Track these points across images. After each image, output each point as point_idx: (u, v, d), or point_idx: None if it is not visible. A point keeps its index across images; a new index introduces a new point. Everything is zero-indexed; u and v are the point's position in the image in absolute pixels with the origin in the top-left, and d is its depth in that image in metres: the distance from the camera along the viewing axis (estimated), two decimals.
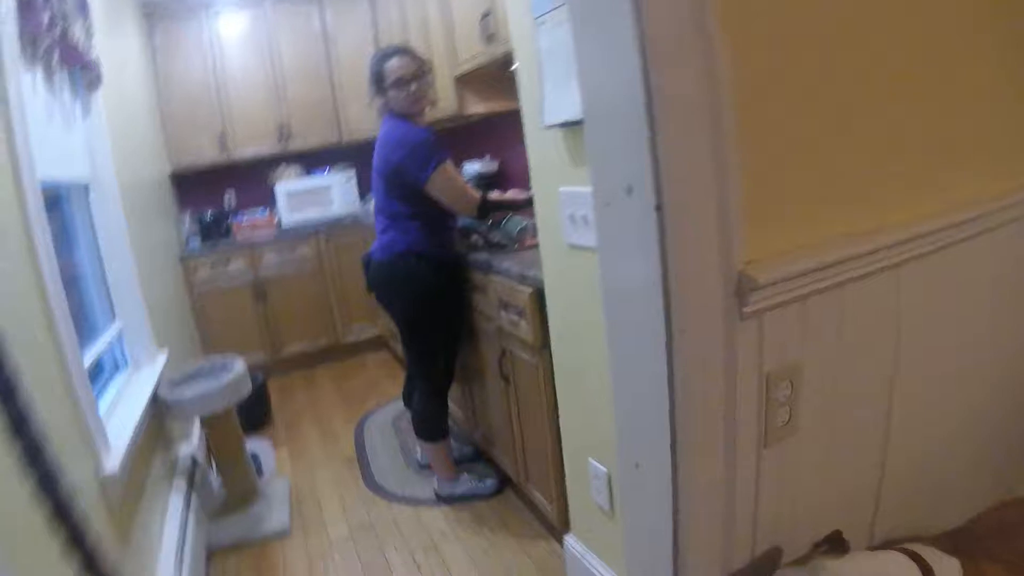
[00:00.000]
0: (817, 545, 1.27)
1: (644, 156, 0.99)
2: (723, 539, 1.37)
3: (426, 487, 3.27)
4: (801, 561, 1.24)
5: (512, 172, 4.14)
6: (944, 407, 1.69)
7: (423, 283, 2.85)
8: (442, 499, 3.15)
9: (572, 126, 1.67)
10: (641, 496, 1.38)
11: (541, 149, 1.90)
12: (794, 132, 1.23)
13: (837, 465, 1.52)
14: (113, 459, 2.06)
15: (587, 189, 1.66)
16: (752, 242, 1.17)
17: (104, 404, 2.47)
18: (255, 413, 4.27)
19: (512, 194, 3.07)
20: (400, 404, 3.85)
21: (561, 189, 1.79)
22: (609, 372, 1.32)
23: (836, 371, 1.40)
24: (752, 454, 1.33)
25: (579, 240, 1.77)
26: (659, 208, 1.02)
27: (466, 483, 3.16)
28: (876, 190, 1.38)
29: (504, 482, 3.16)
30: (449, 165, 2.77)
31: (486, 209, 2.87)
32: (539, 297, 2.18)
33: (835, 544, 1.26)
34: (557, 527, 2.56)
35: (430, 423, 3.08)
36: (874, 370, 1.49)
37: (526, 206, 2.98)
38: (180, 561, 2.45)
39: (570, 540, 2.42)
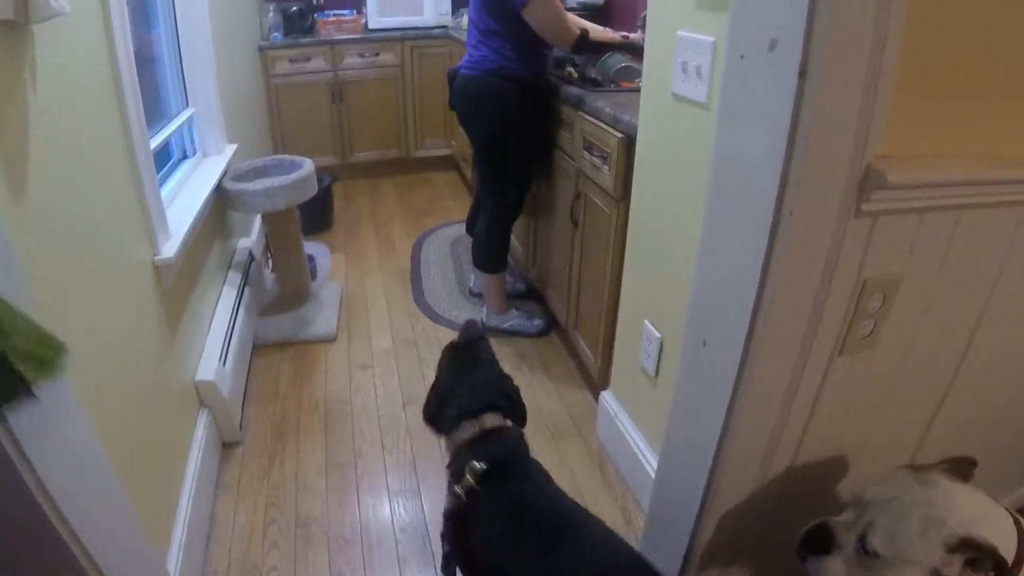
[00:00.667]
0: (941, 462, 1.20)
1: (801, 5, 0.84)
2: (771, 436, 1.31)
3: (474, 314, 3.26)
4: (923, 470, 1.16)
5: (619, 5, 3.88)
6: (1014, 370, 1.57)
7: (509, 104, 2.72)
8: (488, 330, 3.09)
9: None
10: (701, 374, 1.31)
11: None
12: (969, 26, 1.05)
13: (899, 394, 1.43)
14: (171, 244, 2.05)
15: (709, 37, 1.50)
16: (887, 133, 1.02)
17: (167, 189, 2.44)
18: (318, 215, 4.27)
19: (614, 34, 2.88)
20: (461, 228, 3.80)
21: (679, 33, 1.62)
22: (699, 240, 1.21)
23: (930, 296, 1.27)
24: (825, 358, 1.24)
25: (687, 92, 1.61)
26: (803, 74, 0.87)
27: (514, 318, 3.14)
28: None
29: (551, 325, 3.14)
30: None
31: (584, 47, 2.67)
32: (628, 145, 2.04)
33: (958, 469, 1.18)
34: (596, 380, 2.54)
35: (490, 252, 3.02)
36: (965, 306, 1.36)
37: (628, 50, 2.80)
38: (225, 349, 2.49)
39: (606, 396, 2.40)
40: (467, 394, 1.56)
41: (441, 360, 1.74)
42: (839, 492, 1.48)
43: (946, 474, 1.13)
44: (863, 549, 1.11)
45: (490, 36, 2.68)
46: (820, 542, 1.18)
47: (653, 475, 2.03)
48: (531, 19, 2.54)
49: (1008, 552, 1.03)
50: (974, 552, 1.03)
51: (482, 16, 2.70)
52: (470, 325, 1.79)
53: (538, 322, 3.15)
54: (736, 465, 1.30)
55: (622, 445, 2.26)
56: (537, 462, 1.49)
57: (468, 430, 1.49)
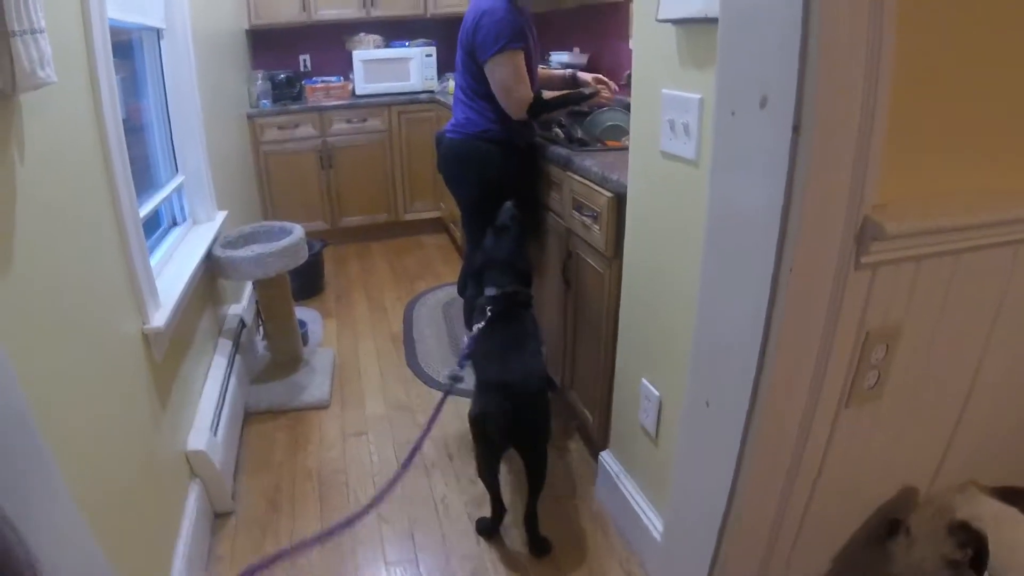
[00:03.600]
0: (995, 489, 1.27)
1: (791, 64, 0.84)
2: (781, 495, 1.28)
3: (468, 377, 3.22)
4: (957, 488, 1.24)
5: (601, 68, 3.92)
6: (1018, 401, 1.56)
7: (493, 167, 2.73)
8: None
9: (689, 24, 1.50)
10: (704, 435, 1.29)
11: (649, 45, 1.73)
12: (951, 75, 1.06)
13: (907, 440, 1.42)
14: (160, 314, 2.03)
15: (695, 95, 1.51)
16: (884, 183, 1.02)
17: (157, 257, 2.42)
18: (309, 281, 4.26)
19: (577, 89, 2.92)
20: (453, 291, 3.80)
21: (664, 91, 1.63)
22: (697, 299, 1.19)
23: (932, 341, 1.26)
24: (831, 412, 1.22)
25: (676, 149, 1.62)
26: (796, 128, 0.87)
27: None
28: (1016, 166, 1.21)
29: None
30: (517, 55, 2.58)
31: (539, 109, 2.67)
32: (618, 203, 2.04)
33: (1008, 494, 1.25)
34: (595, 440, 2.50)
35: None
36: (966, 348, 1.36)
37: (583, 100, 2.82)
38: (217, 418, 2.46)
39: (606, 456, 2.37)
40: (501, 267, 2.41)
41: (488, 233, 2.53)
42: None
43: (991, 492, 1.20)
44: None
45: (472, 97, 2.70)
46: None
47: (657, 537, 1.99)
48: (490, 76, 2.57)
49: None
50: (965, 535, 1.19)
51: (464, 77, 2.73)
52: (505, 210, 2.57)
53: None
54: (746, 527, 1.27)
55: (624, 506, 2.22)
56: (531, 313, 2.38)
57: (495, 289, 2.35)
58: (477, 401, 2.13)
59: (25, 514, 1.06)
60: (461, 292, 3.26)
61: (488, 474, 2.19)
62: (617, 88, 2.99)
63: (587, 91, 2.86)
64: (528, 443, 2.11)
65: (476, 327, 2.24)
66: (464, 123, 2.75)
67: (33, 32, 1.26)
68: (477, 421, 2.09)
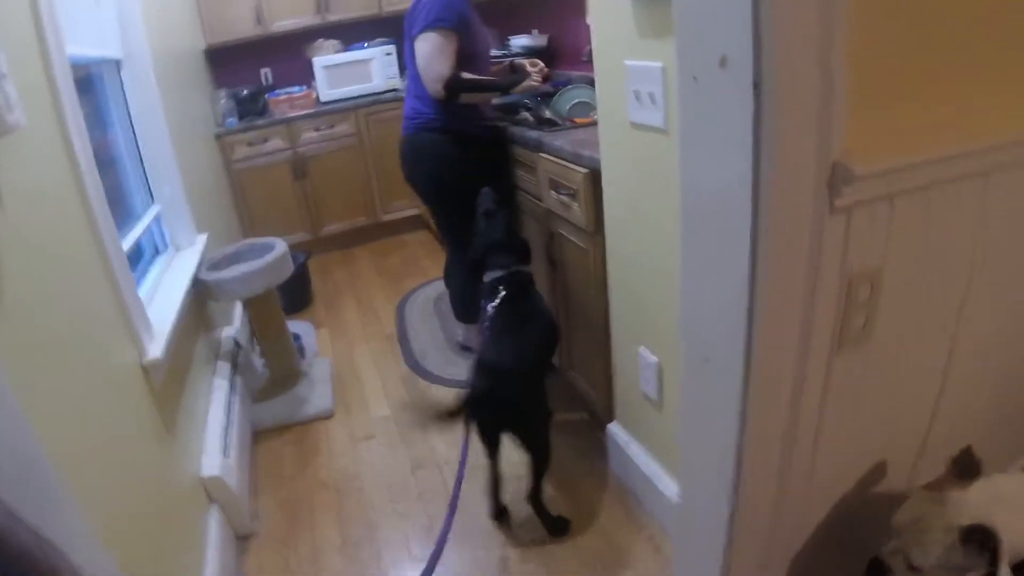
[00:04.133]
0: (949, 467, 1.25)
1: (745, 21, 0.85)
2: (785, 441, 1.30)
3: (466, 368, 3.25)
4: (935, 486, 1.22)
5: (562, 48, 3.93)
6: (1007, 343, 1.59)
7: (446, 159, 2.74)
8: None
9: None
10: (706, 390, 1.31)
11: (607, 19, 1.74)
12: (910, 13, 1.07)
13: (903, 382, 1.44)
14: (156, 344, 2.03)
15: (657, 63, 1.53)
16: (851, 129, 1.04)
17: (144, 288, 2.43)
18: (297, 294, 4.27)
19: (505, 72, 2.95)
20: (441, 285, 3.81)
21: (627, 63, 1.65)
22: (680, 261, 1.21)
23: (914, 280, 1.28)
24: (824, 356, 1.24)
25: (644, 119, 1.64)
26: (757, 85, 0.88)
27: None
28: (987, 96, 1.23)
29: None
30: (445, 33, 2.57)
31: (457, 87, 2.66)
32: (594, 179, 2.06)
33: (963, 468, 1.23)
34: (600, 415, 2.52)
35: (465, 303, 3.03)
36: (949, 285, 1.38)
37: (510, 87, 2.83)
38: (226, 442, 2.46)
39: (613, 428, 2.40)
40: (500, 249, 2.42)
41: (478, 220, 2.57)
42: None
43: (956, 480, 1.19)
44: (910, 567, 1.26)
45: (416, 83, 2.70)
46: (878, 571, 1.33)
47: (673, 499, 2.02)
48: (416, 53, 2.57)
49: None
50: (978, 535, 1.15)
51: (410, 66, 2.72)
52: (484, 195, 2.59)
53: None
54: (757, 476, 1.29)
55: (637, 474, 2.24)
56: (537, 292, 2.42)
57: (500, 271, 2.37)
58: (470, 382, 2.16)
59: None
60: (447, 283, 3.28)
61: (485, 455, 2.24)
62: (547, 71, 3.01)
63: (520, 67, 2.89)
64: (514, 425, 2.13)
65: (490, 305, 2.28)
66: (411, 115, 2.75)
67: None
68: (465, 402, 2.09)
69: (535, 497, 2.21)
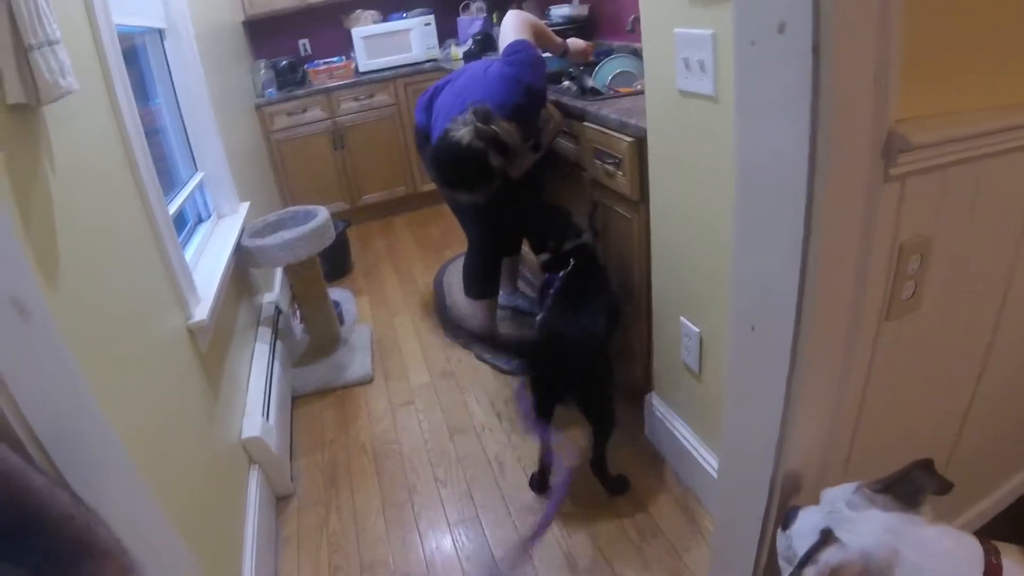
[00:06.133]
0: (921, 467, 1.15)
1: None
2: (833, 414, 1.30)
3: (507, 330, 3.31)
4: (874, 489, 1.13)
5: (604, 17, 3.89)
6: None
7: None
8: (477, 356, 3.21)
9: None
10: (753, 359, 1.30)
11: None
12: None
13: (948, 354, 1.43)
14: (202, 307, 2.07)
15: (707, 31, 1.52)
16: (904, 98, 1.02)
17: (189, 253, 2.47)
18: (337, 262, 4.30)
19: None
20: None
21: (676, 31, 1.63)
22: (734, 228, 1.21)
23: (963, 251, 1.27)
24: (873, 327, 1.24)
25: (693, 86, 1.62)
26: (816, 50, 0.87)
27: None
28: None
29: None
30: None
31: None
32: (640, 147, 2.04)
33: (908, 493, 1.12)
34: (640, 385, 2.52)
35: (470, 279, 3.08)
36: (998, 254, 1.37)
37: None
38: (267, 404, 2.51)
39: (652, 399, 2.40)
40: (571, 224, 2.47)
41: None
42: None
43: (892, 499, 1.08)
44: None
45: None
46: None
47: (711, 471, 2.03)
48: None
49: None
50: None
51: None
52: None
53: (516, 362, 3.05)
54: (801, 446, 1.29)
55: (675, 445, 2.25)
56: (602, 265, 2.43)
57: (571, 244, 2.42)
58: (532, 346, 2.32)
59: (112, 512, 1.11)
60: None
61: (538, 418, 2.24)
62: (591, 47, 2.98)
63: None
64: (577, 393, 2.16)
65: (558, 276, 2.37)
66: None
67: (50, 43, 1.28)
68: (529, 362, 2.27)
69: (599, 465, 2.24)
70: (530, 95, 2.36)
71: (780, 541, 1.19)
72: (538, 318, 2.42)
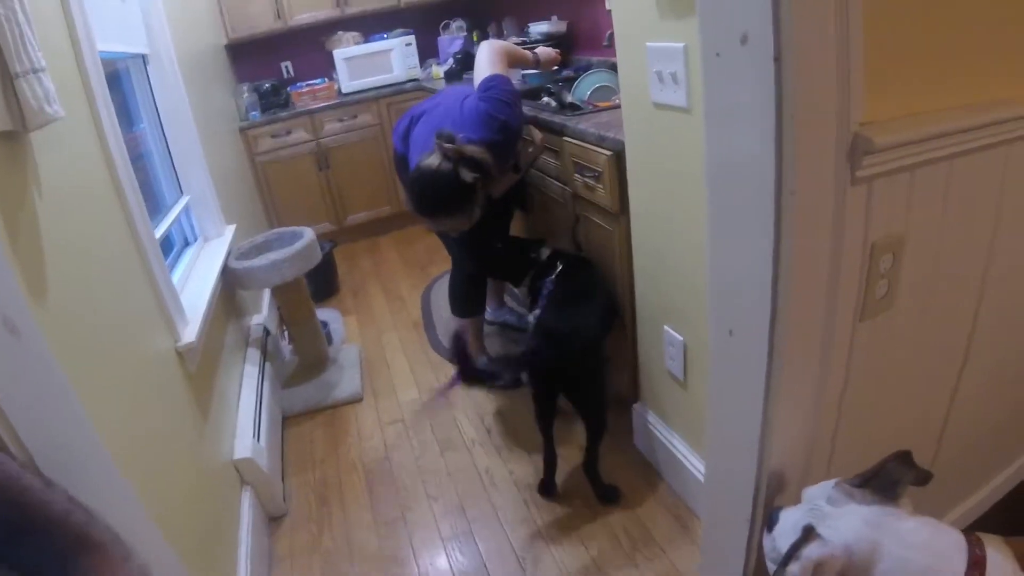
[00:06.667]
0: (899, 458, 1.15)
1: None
2: (812, 414, 1.32)
3: (497, 347, 3.32)
4: (851, 484, 1.13)
5: (582, 32, 3.94)
6: None
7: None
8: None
9: None
10: (732, 363, 1.33)
11: (627, 2, 1.76)
12: None
13: (926, 353, 1.46)
14: (190, 329, 2.09)
15: (678, 44, 1.55)
16: (867, 103, 1.06)
17: (176, 276, 2.48)
18: (324, 282, 4.32)
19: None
20: None
21: (649, 44, 1.67)
22: (707, 235, 1.24)
23: (936, 248, 1.31)
24: (848, 326, 1.26)
25: (667, 99, 1.66)
26: (777, 59, 0.91)
27: (483, 364, 3.11)
28: (1001, 64, 1.25)
29: (520, 381, 2.99)
30: None
31: None
32: (618, 160, 2.07)
33: (886, 486, 1.13)
34: (626, 395, 2.54)
35: (455, 297, 3.10)
36: (971, 255, 1.40)
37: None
38: (257, 425, 2.52)
39: (639, 408, 2.42)
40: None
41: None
42: None
43: (871, 493, 1.09)
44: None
45: None
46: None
47: (699, 476, 2.05)
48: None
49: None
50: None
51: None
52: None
53: (508, 377, 2.97)
54: (783, 446, 1.31)
55: (663, 453, 2.27)
56: (593, 266, 2.46)
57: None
58: (528, 344, 2.35)
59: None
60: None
61: (540, 420, 2.30)
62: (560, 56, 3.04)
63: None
64: (570, 389, 2.23)
65: (548, 279, 2.46)
66: None
67: (35, 71, 1.31)
68: (528, 363, 2.29)
69: (591, 465, 2.29)
70: (504, 131, 2.37)
71: (766, 543, 1.21)
72: (530, 318, 2.50)
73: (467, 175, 2.22)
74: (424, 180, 2.26)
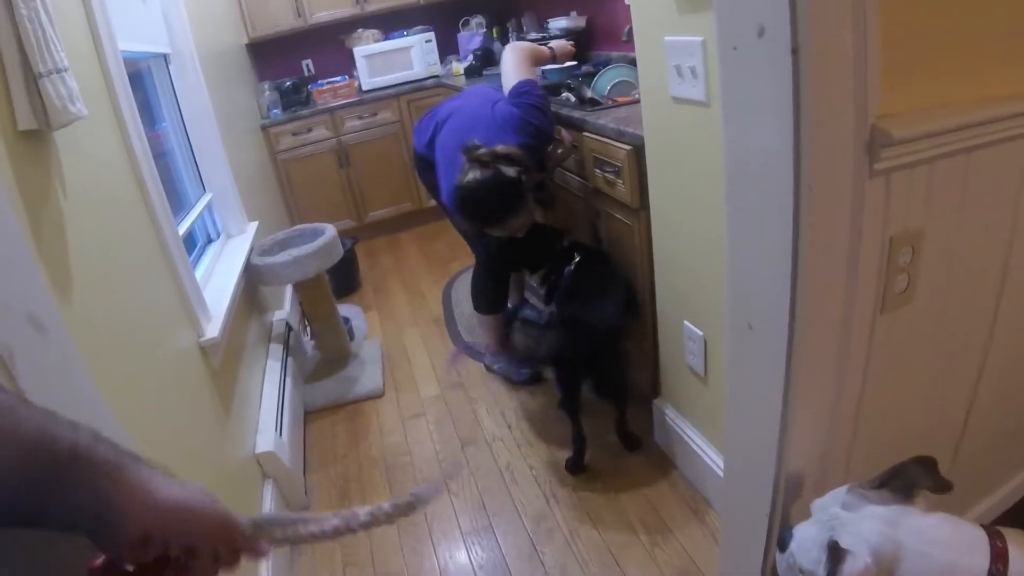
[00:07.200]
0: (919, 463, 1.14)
1: None
2: (831, 412, 1.32)
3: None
4: (866, 488, 1.12)
5: (600, 28, 3.93)
6: None
7: None
8: (487, 368, 3.22)
9: None
10: (751, 357, 1.33)
11: None
12: None
13: (946, 348, 1.45)
14: (213, 325, 2.11)
15: (697, 38, 1.55)
16: (884, 95, 1.05)
17: (199, 273, 2.51)
18: (345, 278, 4.34)
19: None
20: None
21: (667, 39, 1.66)
22: (727, 229, 1.23)
23: (955, 242, 1.30)
24: (868, 320, 1.26)
25: (686, 93, 1.65)
26: (795, 51, 0.90)
27: (503, 361, 3.15)
28: (1020, 57, 1.23)
29: (540, 376, 3.04)
30: None
31: None
32: (638, 155, 2.07)
33: (904, 486, 1.11)
34: (647, 391, 2.54)
35: (477, 291, 3.08)
36: (990, 248, 1.39)
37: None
38: (280, 420, 2.54)
39: (659, 404, 2.41)
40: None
41: None
42: None
43: (888, 493, 1.08)
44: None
45: None
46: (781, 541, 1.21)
47: (717, 472, 2.04)
48: None
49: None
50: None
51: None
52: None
53: (525, 371, 3.07)
54: (802, 443, 1.31)
55: (683, 449, 2.27)
56: (607, 255, 2.52)
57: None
58: (557, 332, 2.38)
59: None
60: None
61: (568, 402, 2.39)
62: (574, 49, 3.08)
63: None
64: (598, 373, 2.36)
65: (568, 269, 2.50)
66: None
67: (58, 71, 1.33)
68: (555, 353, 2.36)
69: (622, 424, 2.49)
70: (538, 136, 2.40)
71: (780, 563, 1.20)
72: (545, 311, 2.60)
73: (508, 171, 2.24)
74: (473, 195, 2.28)
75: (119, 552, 0.72)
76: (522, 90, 2.44)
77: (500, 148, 2.26)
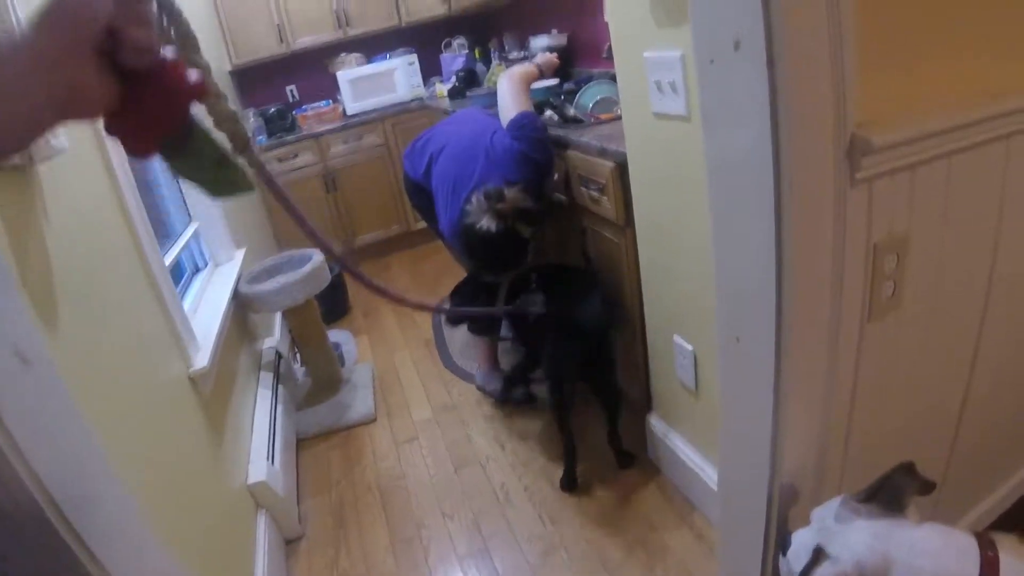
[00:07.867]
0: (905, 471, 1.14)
1: (755, 4, 0.89)
2: (823, 420, 1.32)
3: (510, 364, 3.31)
4: (856, 500, 1.12)
5: (582, 45, 3.96)
6: None
7: None
8: (478, 388, 3.21)
9: None
10: (741, 370, 1.32)
11: (623, 13, 1.77)
12: None
13: (935, 352, 1.45)
14: (202, 355, 2.10)
15: (676, 52, 1.56)
16: (867, 98, 1.06)
17: (188, 302, 2.50)
18: (334, 304, 4.33)
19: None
20: None
21: (646, 55, 1.67)
22: (712, 244, 1.24)
23: (940, 247, 1.30)
24: (856, 329, 1.26)
25: (667, 108, 1.66)
26: (771, 63, 0.91)
27: (496, 383, 3.13)
28: (997, 58, 1.25)
29: (532, 396, 3.03)
30: None
31: None
32: (622, 172, 2.07)
33: (893, 498, 1.11)
34: (639, 407, 2.54)
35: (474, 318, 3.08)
36: (976, 251, 1.40)
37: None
38: (271, 448, 2.52)
39: (652, 419, 2.41)
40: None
41: None
42: None
43: (878, 508, 1.09)
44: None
45: None
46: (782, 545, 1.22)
47: (713, 486, 2.04)
48: None
49: None
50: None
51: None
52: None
53: (519, 392, 3.05)
54: (795, 453, 1.30)
55: (677, 463, 2.26)
56: (576, 268, 2.59)
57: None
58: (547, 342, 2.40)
59: (125, 560, 1.13)
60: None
61: (558, 410, 2.40)
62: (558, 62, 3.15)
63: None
64: (589, 372, 2.36)
65: (532, 290, 2.52)
66: None
67: None
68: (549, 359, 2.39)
69: (614, 436, 2.47)
70: (539, 171, 2.40)
71: (782, 566, 1.21)
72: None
73: (525, 230, 2.31)
74: (482, 243, 2.32)
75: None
76: (523, 123, 2.44)
77: (522, 203, 2.28)
